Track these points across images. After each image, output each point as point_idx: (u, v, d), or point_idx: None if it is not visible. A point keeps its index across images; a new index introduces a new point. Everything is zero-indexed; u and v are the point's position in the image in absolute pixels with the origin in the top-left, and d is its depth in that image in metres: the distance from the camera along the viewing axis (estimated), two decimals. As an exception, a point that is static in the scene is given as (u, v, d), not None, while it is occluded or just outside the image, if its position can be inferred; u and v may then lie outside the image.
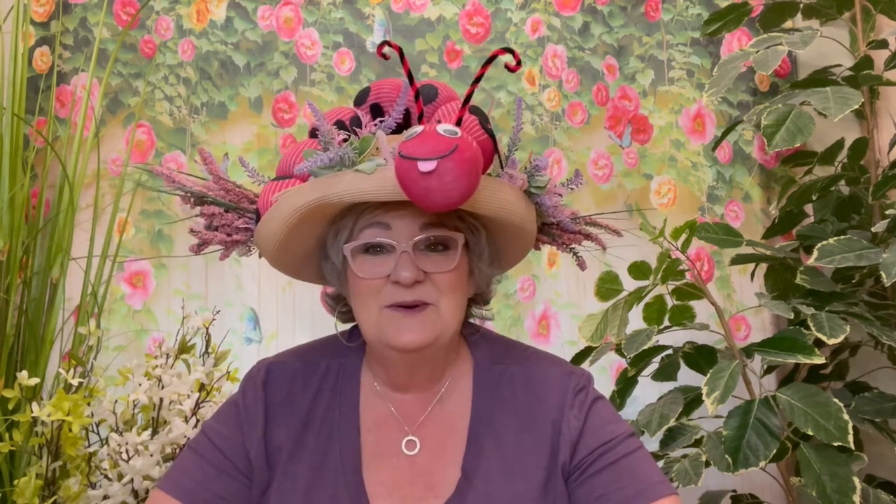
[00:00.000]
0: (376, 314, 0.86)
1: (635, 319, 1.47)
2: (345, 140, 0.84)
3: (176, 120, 1.69)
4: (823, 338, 1.31)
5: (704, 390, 1.27)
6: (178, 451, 1.20)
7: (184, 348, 1.32)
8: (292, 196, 0.84)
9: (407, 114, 0.89)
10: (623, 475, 0.87)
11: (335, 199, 0.82)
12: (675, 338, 1.52)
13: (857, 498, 1.23)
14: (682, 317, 1.49)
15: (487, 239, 0.91)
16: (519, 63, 0.84)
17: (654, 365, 1.50)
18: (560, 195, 0.93)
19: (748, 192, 1.83)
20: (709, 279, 1.78)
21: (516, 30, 1.78)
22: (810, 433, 1.23)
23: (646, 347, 1.38)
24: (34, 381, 1.22)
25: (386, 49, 0.85)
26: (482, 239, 0.90)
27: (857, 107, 1.40)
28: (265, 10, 1.73)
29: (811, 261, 1.41)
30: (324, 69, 1.73)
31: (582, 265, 0.99)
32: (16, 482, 1.19)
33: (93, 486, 1.22)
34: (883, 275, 1.30)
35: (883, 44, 1.64)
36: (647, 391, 1.51)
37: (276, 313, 1.66)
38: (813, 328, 1.33)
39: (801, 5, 1.77)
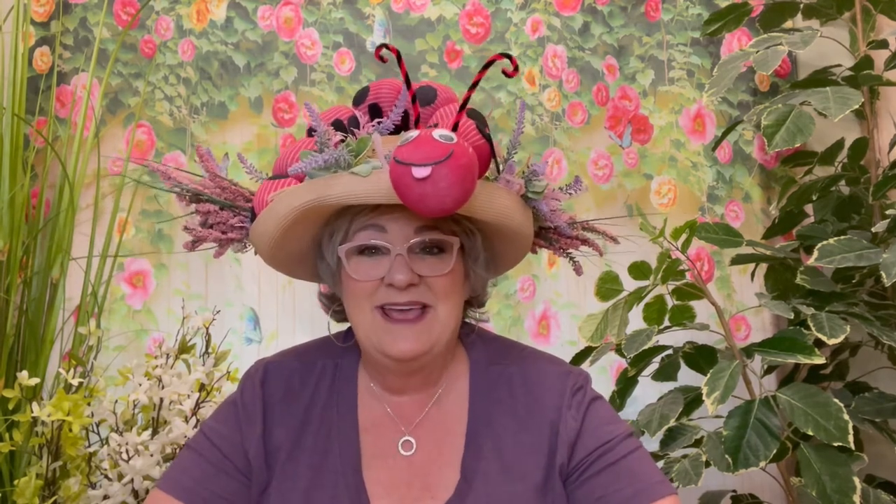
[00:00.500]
0: (370, 316, 0.86)
1: (635, 319, 1.46)
2: (342, 141, 0.84)
3: (176, 120, 1.69)
4: (823, 338, 1.31)
5: (704, 390, 1.27)
6: (178, 451, 1.21)
7: (184, 348, 1.32)
8: (288, 196, 0.84)
9: (405, 114, 0.89)
10: (622, 476, 0.87)
11: (330, 201, 0.82)
12: (675, 338, 1.52)
13: (857, 498, 1.22)
14: (683, 317, 1.49)
15: (483, 243, 0.91)
16: (516, 69, 0.84)
17: (654, 365, 1.50)
18: (558, 200, 0.93)
19: (748, 192, 1.83)
20: (709, 279, 1.78)
21: (516, 30, 1.78)
22: (810, 433, 1.23)
23: (646, 347, 1.38)
24: (34, 381, 1.22)
25: (383, 52, 0.85)
26: (478, 243, 0.90)
27: (857, 107, 1.40)
28: (265, 10, 1.73)
29: (811, 261, 1.40)
30: (324, 69, 1.73)
31: (578, 270, 0.99)
32: (16, 482, 1.19)
33: (93, 486, 1.22)
34: (883, 275, 1.30)
35: (883, 44, 1.64)
36: (647, 391, 1.51)
37: (276, 313, 1.66)
38: (813, 328, 1.33)
39: (801, 5, 1.77)
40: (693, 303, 1.47)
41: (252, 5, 1.72)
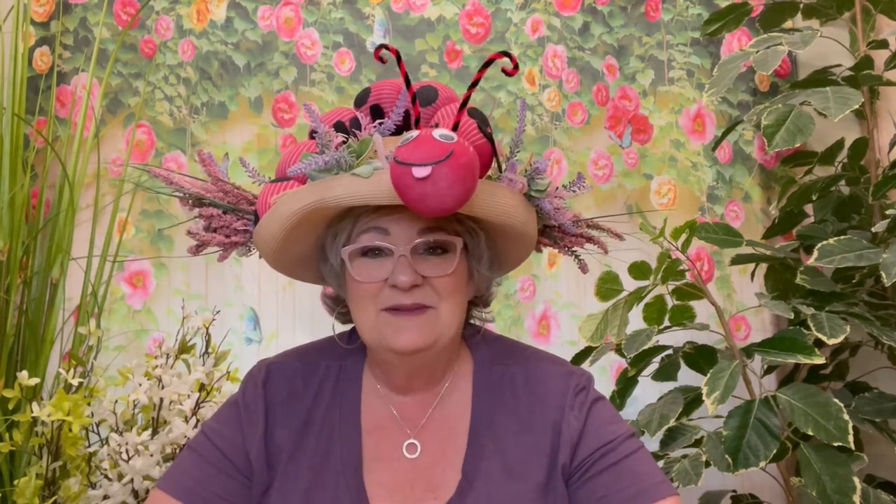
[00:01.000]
0: (374, 318, 0.86)
1: (635, 319, 1.46)
2: (343, 142, 0.84)
3: (176, 120, 1.69)
4: (823, 338, 1.31)
5: (704, 390, 1.27)
6: (178, 451, 1.21)
7: (184, 348, 1.32)
8: (290, 199, 0.84)
9: (407, 115, 0.89)
10: (624, 476, 0.87)
11: (332, 203, 0.82)
12: (675, 338, 1.52)
13: (857, 498, 1.23)
14: (682, 317, 1.49)
15: (487, 242, 0.91)
16: (516, 67, 0.84)
17: (654, 365, 1.50)
18: (562, 198, 0.93)
19: (748, 192, 1.83)
20: (709, 279, 1.78)
21: (516, 30, 1.78)
22: (810, 433, 1.23)
23: (646, 347, 1.38)
24: (34, 381, 1.22)
25: (383, 52, 0.85)
26: (481, 242, 0.90)
27: (857, 107, 1.40)
28: (265, 10, 1.73)
29: (811, 261, 1.41)
30: (324, 69, 1.73)
31: (584, 268, 0.99)
32: (16, 482, 1.19)
33: (93, 486, 1.22)
34: (883, 275, 1.30)
35: (883, 44, 1.64)
36: (647, 391, 1.51)
37: (276, 313, 1.66)
38: (813, 328, 1.33)
39: (801, 5, 1.77)
40: (693, 303, 1.47)
41: (252, 5, 1.72)
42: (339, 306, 0.95)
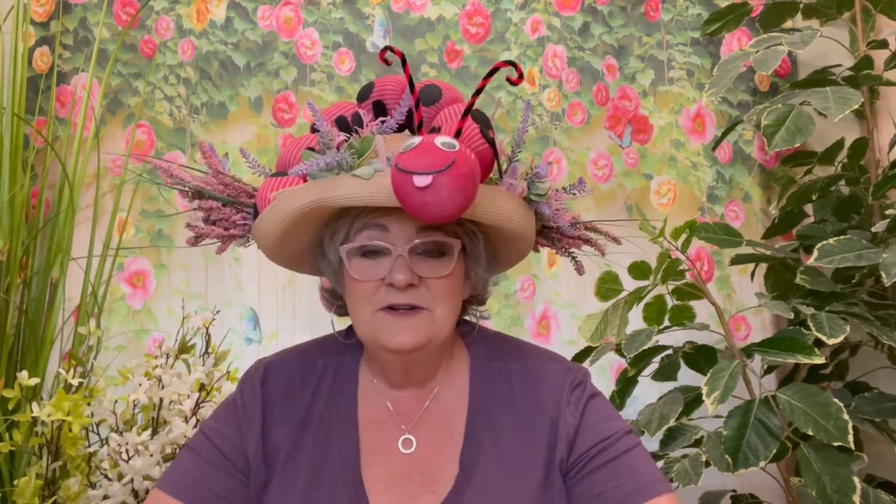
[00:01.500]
0: (370, 316, 0.86)
1: (635, 319, 1.46)
2: (345, 140, 0.84)
3: (176, 120, 1.69)
4: (823, 338, 1.31)
5: (704, 390, 1.27)
6: (177, 451, 1.21)
7: (184, 348, 1.32)
8: (290, 196, 0.84)
9: (409, 112, 0.89)
10: (621, 472, 0.87)
11: (333, 203, 0.82)
12: (675, 338, 1.52)
13: (857, 498, 1.23)
14: (682, 317, 1.49)
15: (485, 244, 0.91)
16: (521, 76, 0.84)
17: (654, 365, 1.50)
18: (561, 201, 0.93)
19: (748, 192, 1.83)
20: (709, 279, 1.78)
21: (516, 30, 1.78)
22: (810, 433, 1.23)
23: (646, 347, 1.38)
24: (34, 381, 1.22)
25: (388, 54, 0.85)
26: (480, 244, 0.90)
27: (857, 107, 1.40)
28: (265, 10, 1.73)
29: (811, 261, 1.40)
30: (324, 69, 1.73)
31: (580, 270, 0.99)
32: (16, 482, 1.19)
33: (93, 486, 1.22)
34: (883, 275, 1.30)
35: (883, 44, 1.64)
36: (647, 391, 1.51)
37: (276, 313, 1.66)
38: (813, 328, 1.33)
39: (801, 5, 1.77)
40: (693, 303, 1.47)
41: (252, 5, 1.72)
42: (337, 300, 0.96)
